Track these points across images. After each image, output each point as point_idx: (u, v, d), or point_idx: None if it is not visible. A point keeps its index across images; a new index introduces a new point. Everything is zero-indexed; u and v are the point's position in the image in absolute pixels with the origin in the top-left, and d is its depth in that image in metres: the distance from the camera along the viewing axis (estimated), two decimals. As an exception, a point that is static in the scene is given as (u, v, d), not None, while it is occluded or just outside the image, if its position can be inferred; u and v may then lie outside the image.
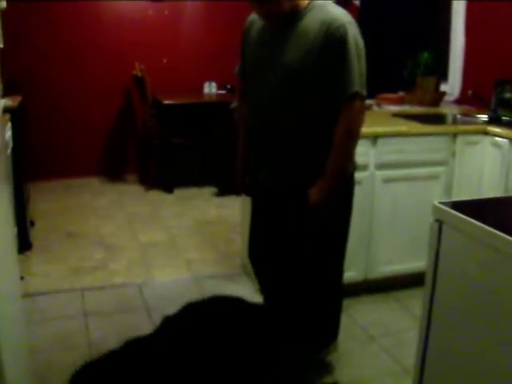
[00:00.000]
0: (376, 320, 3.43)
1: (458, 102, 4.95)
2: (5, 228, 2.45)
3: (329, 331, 3.02)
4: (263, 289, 3.07)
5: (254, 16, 2.66)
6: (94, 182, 6.60)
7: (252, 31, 2.66)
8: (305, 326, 2.86)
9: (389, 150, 3.58)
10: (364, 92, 2.47)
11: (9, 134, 3.84)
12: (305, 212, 2.59)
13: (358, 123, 2.50)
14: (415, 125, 3.78)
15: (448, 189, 3.77)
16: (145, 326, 3.24)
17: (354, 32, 2.42)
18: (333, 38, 2.37)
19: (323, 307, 2.91)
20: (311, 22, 2.43)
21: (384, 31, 5.69)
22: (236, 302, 2.85)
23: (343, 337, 3.20)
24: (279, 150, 2.60)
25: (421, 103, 4.73)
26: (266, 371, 2.51)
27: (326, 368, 3.00)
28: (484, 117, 4.17)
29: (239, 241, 4.41)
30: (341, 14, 2.44)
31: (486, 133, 3.77)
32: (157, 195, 6.20)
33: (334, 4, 2.52)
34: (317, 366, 3.02)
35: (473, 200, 2.27)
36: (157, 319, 3.36)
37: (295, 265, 2.77)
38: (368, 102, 3.74)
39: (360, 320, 3.46)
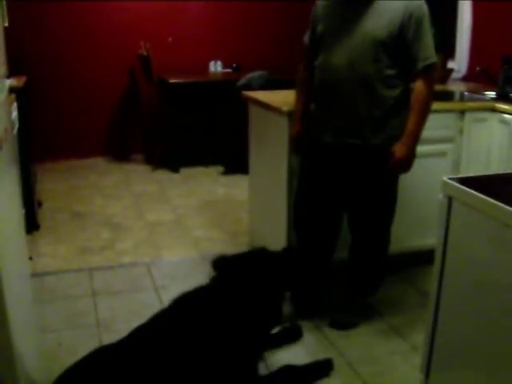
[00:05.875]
0: (384, 298, 3.43)
1: (466, 79, 4.91)
2: (13, 209, 2.45)
3: (378, 283, 3.32)
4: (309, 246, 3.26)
5: None
6: (100, 162, 6.61)
7: (320, 7, 3.01)
8: (359, 277, 3.28)
9: (396, 128, 3.56)
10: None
11: (14, 114, 3.83)
12: (372, 170, 2.95)
13: (433, 89, 2.88)
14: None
15: (456, 166, 3.75)
16: (153, 305, 3.25)
17: (427, 11, 2.81)
18: (413, 15, 2.75)
19: (377, 263, 3.25)
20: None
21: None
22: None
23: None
24: (352, 110, 2.87)
25: (428, 80, 4.68)
26: None
27: (336, 348, 3.02)
28: (492, 94, 4.14)
29: (246, 219, 4.41)
30: None
31: (493, 110, 3.74)
32: (163, 174, 6.20)
33: None
34: (322, 341, 3.04)
35: (482, 176, 2.27)
36: (165, 298, 3.38)
37: (359, 224, 3.13)
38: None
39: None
